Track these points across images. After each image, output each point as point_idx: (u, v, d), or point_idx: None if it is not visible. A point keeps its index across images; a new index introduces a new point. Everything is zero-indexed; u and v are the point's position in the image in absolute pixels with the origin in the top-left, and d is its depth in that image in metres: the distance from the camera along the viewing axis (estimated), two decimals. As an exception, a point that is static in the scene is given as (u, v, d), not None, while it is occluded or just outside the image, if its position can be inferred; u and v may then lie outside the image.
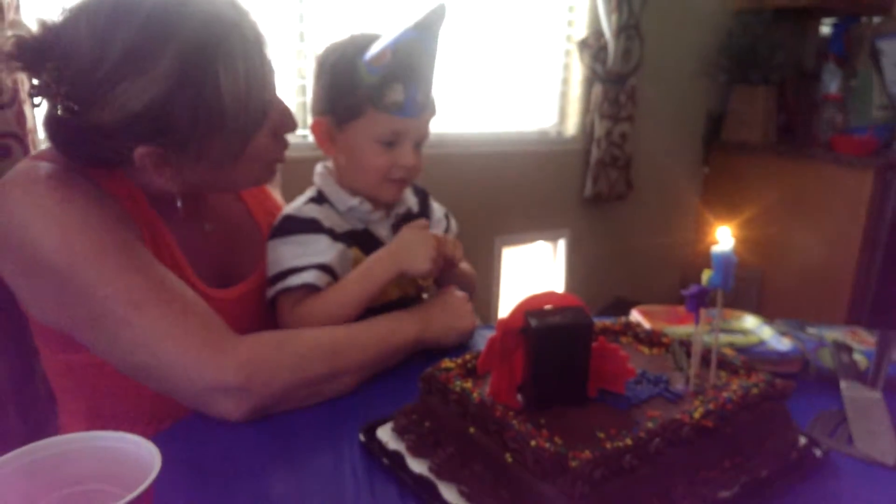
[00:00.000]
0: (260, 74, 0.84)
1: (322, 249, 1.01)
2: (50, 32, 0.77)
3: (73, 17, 0.77)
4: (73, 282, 0.77)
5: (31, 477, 0.54)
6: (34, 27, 0.77)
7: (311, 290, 1.00)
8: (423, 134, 1.06)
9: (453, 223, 1.25)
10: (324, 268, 1.00)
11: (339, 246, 1.03)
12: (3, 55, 0.76)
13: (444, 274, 1.10)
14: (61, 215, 0.77)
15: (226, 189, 1.01)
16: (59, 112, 0.78)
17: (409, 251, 1.01)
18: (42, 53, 0.76)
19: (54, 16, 0.78)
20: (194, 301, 0.82)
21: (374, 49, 0.97)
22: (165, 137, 0.79)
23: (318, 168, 1.11)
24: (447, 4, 0.96)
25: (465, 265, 1.18)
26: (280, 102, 0.92)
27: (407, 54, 0.96)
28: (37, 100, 0.79)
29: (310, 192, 1.09)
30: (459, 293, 1.09)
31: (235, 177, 0.91)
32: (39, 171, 0.80)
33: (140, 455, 0.55)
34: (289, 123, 0.93)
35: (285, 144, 0.96)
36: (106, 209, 0.81)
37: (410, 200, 1.17)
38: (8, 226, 0.78)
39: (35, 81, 0.78)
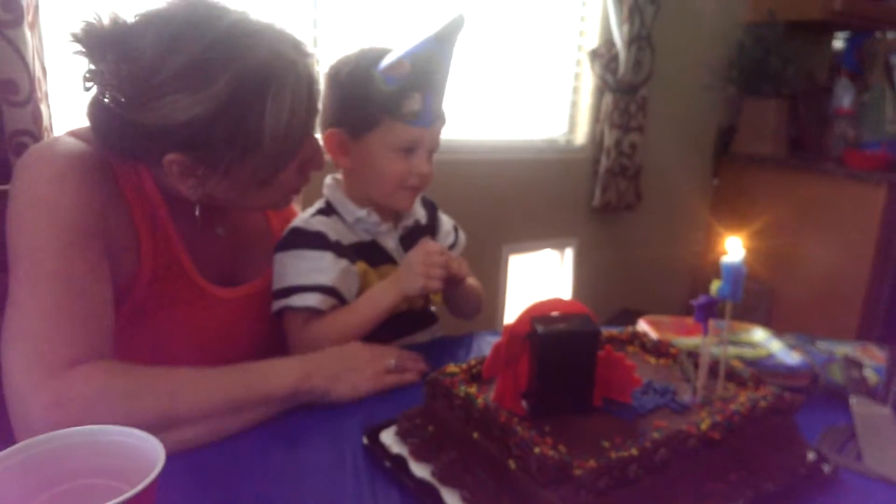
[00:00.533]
0: (304, 114, 0.85)
1: (325, 267, 1.01)
2: (119, 29, 0.79)
3: (145, 21, 0.79)
4: (13, 250, 0.78)
5: (38, 470, 0.54)
6: (105, 19, 0.79)
7: (314, 312, 1.00)
8: (436, 142, 1.06)
9: (461, 236, 1.25)
10: (326, 290, 1.00)
11: (343, 262, 1.03)
12: (70, 38, 0.79)
13: (448, 290, 1.09)
14: (45, 187, 0.79)
15: (239, 207, 1.01)
16: (106, 100, 0.80)
17: (405, 273, 1.02)
18: (106, 45, 0.78)
19: (128, 15, 0.80)
20: (76, 312, 0.76)
21: (389, 59, 0.97)
22: (199, 152, 0.81)
23: (328, 180, 1.11)
24: (465, 17, 0.97)
25: (472, 280, 1.17)
26: (314, 140, 0.93)
27: (426, 64, 0.97)
28: (87, 84, 0.81)
29: (318, 204, 1.10)
30: (370, 349, 0.95)
31: (253, 200, 0.92)
32: (61, 144, 0.83)
33: (144, 450, 0.55)
34: (317, 162, 0.95)
35: (307, 180, 0.97)
36: (98, 203, 0.82)
37: (419, 212, 1.17)
38: (14, 182, 0.82)
39: (92, 67, 0.80)
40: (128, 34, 0.79)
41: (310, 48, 0.88)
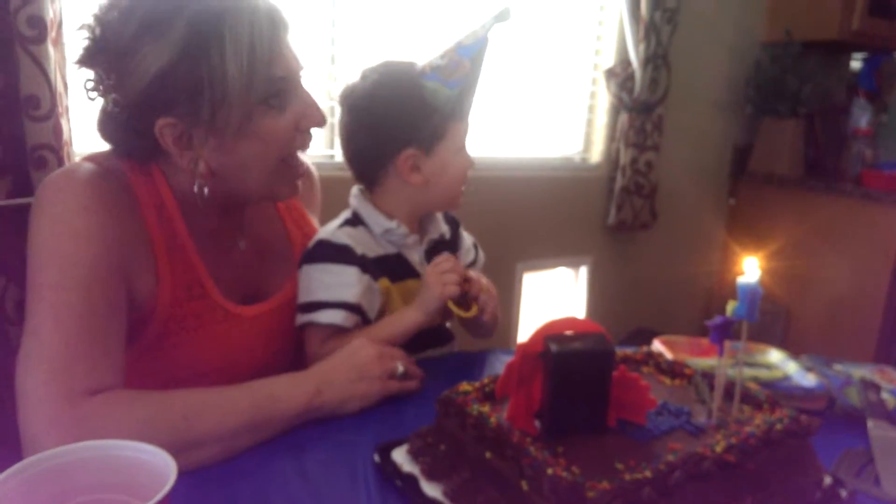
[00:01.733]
0: (267, 48, 0.85)
1: (350, 283, 1.01)
2: (98, 23, 0.82)
3: (110, 2, 0.82)
4: (36, 279, 0.79)
5: (48, 484, 0.54)
6: (98, 30, 0.82)
7: (337, 328, 1.01)
8: None
9: (481, 254, 1.26)
10: (351, 307, 1.00)
11: (366, 279, 1.03)
12: (77, 60, 0.83)
13: (471, 293, 1.07)
14: (70, 221, 0.80)
15: (247, 191, 0.97)
16: (109, 106, 0.83)
17: (424, 294, 1.03)
18: (95, 47, 0.82)
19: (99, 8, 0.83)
20: (95, 343, 0.78)
21: (440, 64, 0.98)
22: (177, 106, 0.82)
23: (354, 191, 1.12)
24: (511, 10, 0.99)
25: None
26: (306, 94, 0.92)
27: (480, 59, 1.00)
28: (91, 94, 0.84)
29: (345, 214, 1.10)
30: (376, 348, 0.94)
31: (252, 166, 0.90)
32: (81, 173, 0.84)
33: (156, 465, 0.55)
34: (315, 115, 0.92)
35: (309, 138, 0.95)
36: (120, 234, 0.83)
37: (443, 227, 1.18)
38: (36, 211, 0.83)
39: (90, 75, 0.83)
40: (101, 20, 0.82)
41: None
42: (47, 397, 0.73)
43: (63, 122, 1.23)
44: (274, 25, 0.86)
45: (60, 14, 1.22)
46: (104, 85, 0.83)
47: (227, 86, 0.82)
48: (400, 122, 1.02)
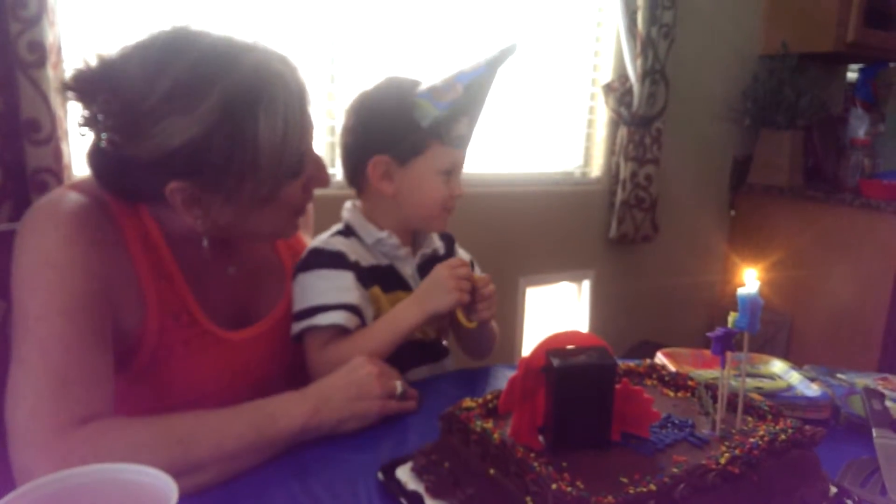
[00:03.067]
0: (299, 126, 0.86)
1: (348, 286, 1.01)
2: (105, 66, 0.81)
3: (129, 51, 0.81)
4: (22, 310, 0.79)
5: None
6: (93, 60, 0.81)
7: (338, 331, 1.00)
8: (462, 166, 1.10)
9: (477, 270, 1.26)
10: (352, 308, 1.00)
11: (360, 286, 1.04)
12: (61, 85, 0.81)
13: (473, 307, 1.07)
14: (55, 252, 0.79)
15: (248, 237, 1.02)
16: (102, 144, 0.81)
17: (429, 291, 1.02)
18: (95, 85, 0.80)
19: (112, 50, 0.82)
20: (85, 373, 0.77)
21: (437, 84, 1.00)
22: (199, 176, 0.82)
23: (347, 204, 1.13)
24: (516, 47, 1.01)
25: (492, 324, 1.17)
26: (315, 156, 0.94)
27: (477, 89, 1.01)
28: (83, 130, 0.83)
29: (337, 226, 1.11)
30: (376, 366, 0.93)
31: (261, 224, 0.92)
32: (66, 203, 0.83)
33: (158, 488, 0.54)
34: (322, 178, 0.95)
35: (311, 197, 0.97)
36: (105, 265, 0.82)
37: (437, 242, 1.19)
38: (21, 241, 0.82)
39: (85, 113, 0.81)
40: (114, 68, 0.80)
41: (297, 63, 0.88)
42: (36, 428, 0.73)
43: (63, 145, 1.24)
44: (302, 101, 0.86)
45: (60, 39, 1.23)
46: (102, 124, 0.80)
47: (257, 164, 0.82)
48: (380, 127, 1.05)
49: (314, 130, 0.92)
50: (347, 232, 1.09)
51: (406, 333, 1.01)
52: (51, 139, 1.21)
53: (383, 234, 1.08)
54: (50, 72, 1.19)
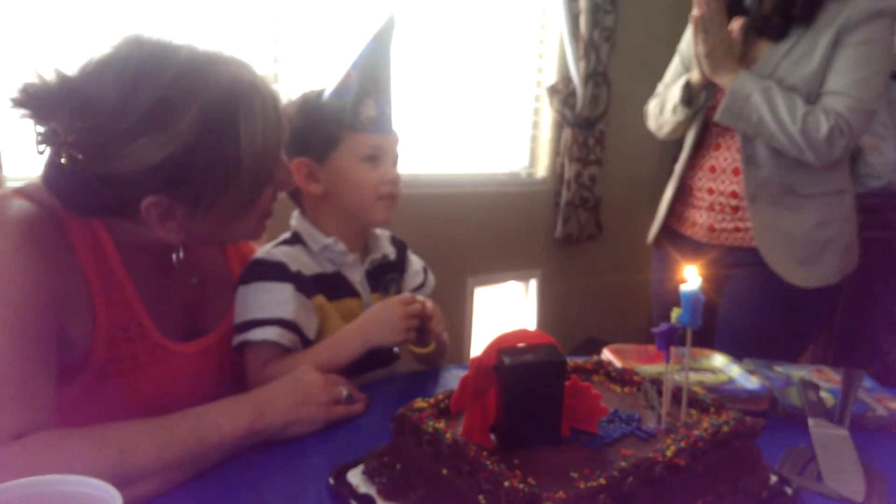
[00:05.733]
0: (276, 132, 0.85)
1: (284, 299, 1.00)
2: (66, 84, 0.77)
3: (99, 70, 0.77)
4: None
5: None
6: (49, 75, 0.76)
7: (278, 348, 0.99)
8: (396, 153, 1.10)
9: (430, 278, 1.26)
10: (286, 324, 0.99)
11: (300, 297, 1.02)
12: (10, 102, 0.76)
13: (422, 336, 1.07)
14: (5, 270, 0.76)
15: (220, 242, 1.00)
16: (63, 161, 0.77)
17: (378, 324, 1.02)
18: (55, 103, 0.76)
19: (73, 68, 0.78)
20: (24, 386, 0.74)
21: (334, 82, 1.01)
22: (179, 190, 0.80)
23: (295, 212, 1.12)
24: (396, 17, 1.03)
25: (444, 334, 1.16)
26: (284, 161, 0.93)
27: (371, 67, 1.02)
28: (40, 147, 0.78)
29: (284, 235, 1.10)
30: (321, 374, 0.93)
31: (239, 230, 0.92)
32: (12, 211, 0.80)
33: (102, 500, 0.53)
34: (288, 180, 0.95)
35: (275, 199, 0.96)
36: (52, 277, 0.79)
37: (387, 248, 1.18)
38: None
39: (40, 129, 0.77)
40: (80, 86, 0.77)
41: (264, 74, 0.88)
42: None
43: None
44: (276, 108, 0.85)
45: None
46: (62, 141, 0.76)
47: (239, 175, 0.81)
48: (294, 135, 1.04)
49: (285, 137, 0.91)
50: (294, 240, 1.08)
51: (348, 359, 1.00)
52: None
53: (329, 241, 1.07)
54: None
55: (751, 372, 1.05)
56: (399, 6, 2.07)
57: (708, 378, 1.03)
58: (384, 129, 1.05)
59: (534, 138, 2.66)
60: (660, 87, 1.80)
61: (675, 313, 0.73)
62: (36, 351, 0.76)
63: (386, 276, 1.16)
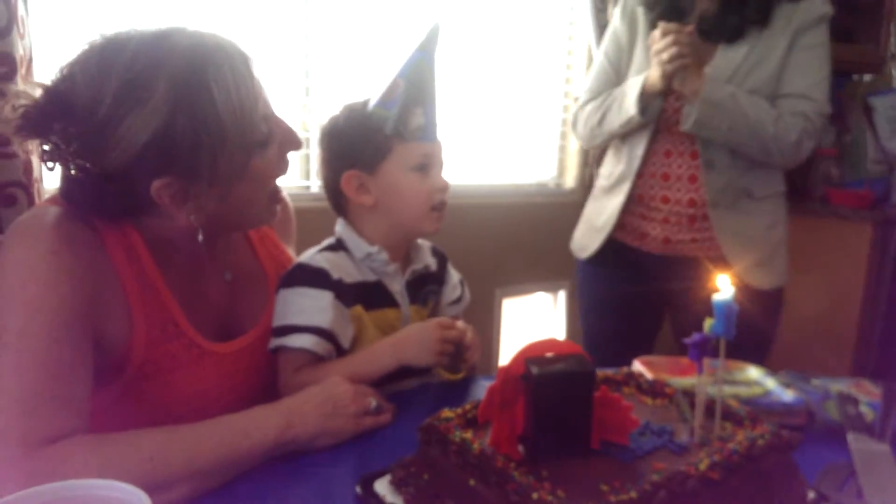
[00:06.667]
0: (251, 88, 0.85)
1: (323, 307, 1.01)
2: (50, 95, 0.80)
3: (69, 72, 0.80)
4: (0, 323, 0.77)
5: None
6: (36, 93, 0.80)
7: (311, 356, 0.99)
8: (442, 160, 1.10)
9: (467, 292, 1.26)
10: (322, 332, 1.00)
11: (339, 305, 1.03)
12: (12, 129, 0.79)
13: (457, 365, 1.07)
14: (38, 268, 0.78)
15: (239, 224, 1.00)
16: (73, 172, 0.80)
17: (413, 344, 1.01)
18: (47, 118, 0.79)
19: (51, 78, 0.81)
20: (59, 390, 0.76)
21: (381, 91, 1.01)
22: (175, 166, 0.81)
23: (340, 220, 1.13)
24: (441, 25, 1.03)
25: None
26: (282, 122, 0.93)
27: (418, 76, 1.02)
28: (50, 164, 0.81)
29: (328, 241, 1.11)
30: (351, 385, 0.93)
31: (245, 204, 0.91)
32: (48, 219, 0.82)
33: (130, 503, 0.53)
34: (295, 140, 0.95)
35: (287, 163, 0.96)
36: (88, 280, 0.81)
37: (429, 259, 1.18)
38: (3, 257, 0.81)
39: (45, 147, 0.80)
40: (60, 92, 0.79)
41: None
42: (4, 446, 0.71)
43: (34, 158, 1.22)
44: (247, 65, 0.86)
45: (31, 50, 1.22)
46: (65, 153, 0.79)
47: (224, 135, 0.82)
48: (341, 145, 1.07)
49: (269, 94, 0.91)
50: (337, 246, 1.09)
51: (376, 375, 1.00)
52: (20, 153, 1.18)
53: (373, 249, 1.07)
54: (20, 84, 1.17)
55: (787, 385, 1.03)
56: (430, 17, 2.09)
57: (743, 391, 1.01)
58: (432, 137, 1.06)
59: (562, 149, 2.65)
60: (585, 95, 1.71)
61: (708, 323, 0.71)
62: (72, 354, 0.78)
63: (426, 287, 1.16)
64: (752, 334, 1.53)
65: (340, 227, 1.12)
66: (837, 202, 2.60)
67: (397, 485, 0.74)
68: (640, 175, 1.61)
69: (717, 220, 1.53)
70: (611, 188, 1.67)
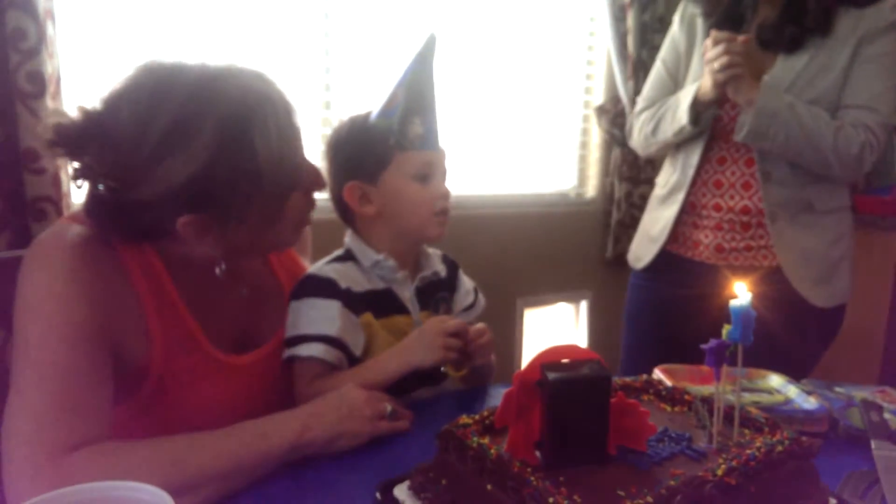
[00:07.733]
0: (291, 138, 0.88)
1: (331, 316, 1.02)
2: (90, 119, 0.81)
3: (114, 103, 0.82)
4: (23, 340, 0.79)
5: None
6: (74, 113, 0.82)
7: (325, 365, 1.01)
8: (445, 168, 1.11)
9: (481, 299, 1.26)
10: (332, 341, 1.01)
11: (348, 314, 1.04)
12: (45, 143, 0.81)
13: (465, 362, 1.08)
14: (57, 283, 0.80)
15: (260, 252, 1.03)
16: (101, 191, 0.82)
17: (416, 344, 1.03)
18: (83, 139, 0.81)
19: (94, 103, 0.82)
20: (80, 398, 0.78)
21: (381, 102, 1.03)
22: (208, 207, 0.83)
23: (349, 232, 1.15)
24: (437, 35, 1.05)
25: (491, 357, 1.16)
26: (309, 163, 0.95)
27: (416, 85, 1.04)
28: (79, 182, 0.84)
29: (338, 251, 1.13)
30: (364, 391, 0.94)
31: (271, 238, 0.94)
32: (69, 236, 0.84)
33: (154, 505, 0.54)
34: (319, 182, 0.97)
35: (313, 203, 0.99)
36: (107, 297, 0.83)
37: (438, 266, 1.19)
38: (24, 273, 0.83)
39: (76, 164, 0.82)
40: (101, 120, 0.81)
41: (274, 76, 0.90)
42: (29, 455, 0.73)
43: (62, 174, 1.25)
44: (289, 114, 0.88)
45: (59, 70, 1.25)
46: (97, 173, 0.82)
47: (261, 184, 0.84)
48: (343, 157, 1.09)
49: (303, 138, 0.93)
50: (346, 257, 1.11)
51: (388, 381, 1.01)
52: (49, 168, 1.22)
53: (380, 257, 1.09)
54: (49, 101, 1.21)
55: (809, 392, 1.02)
56: (449, 27, 2.11)
57: (764, 398, 1.00)
58: (432, 145, 1.07)
59: (582, 158, 2.65)
60: (641, 103, 1.70)
61: (726, 329, 0.71)
62: (91, 365, 0.80)
63: (437, 294, 1.17)
64: (802, 351, 1.50)
65: (349, 237, 1.14)
66: (864, 209, 2.56)
67: (416, 490, 0.74)
68: (693, 183, 1.59)
69: (776, 234, 1.49)
70: (665, 198, 1.67)
